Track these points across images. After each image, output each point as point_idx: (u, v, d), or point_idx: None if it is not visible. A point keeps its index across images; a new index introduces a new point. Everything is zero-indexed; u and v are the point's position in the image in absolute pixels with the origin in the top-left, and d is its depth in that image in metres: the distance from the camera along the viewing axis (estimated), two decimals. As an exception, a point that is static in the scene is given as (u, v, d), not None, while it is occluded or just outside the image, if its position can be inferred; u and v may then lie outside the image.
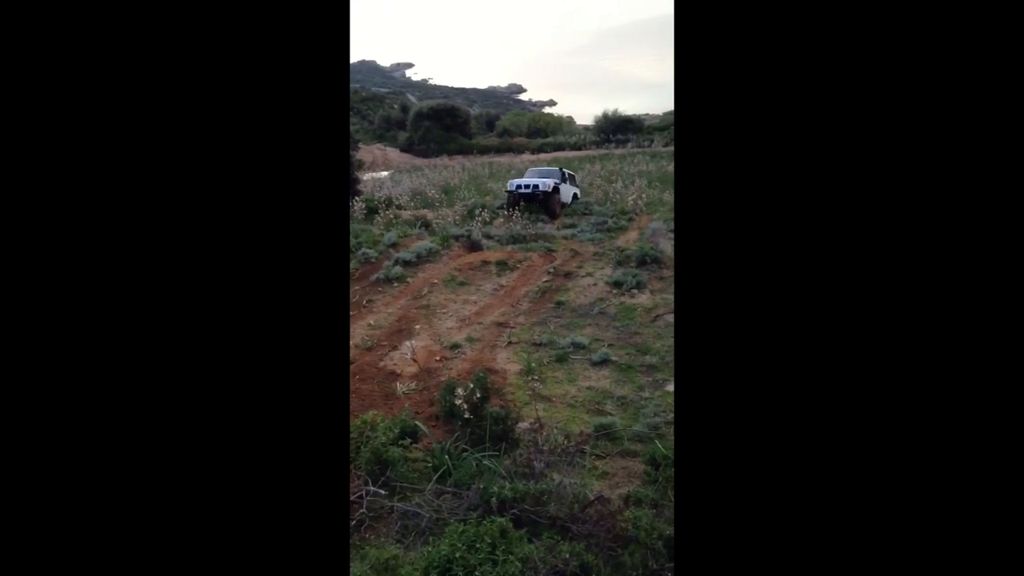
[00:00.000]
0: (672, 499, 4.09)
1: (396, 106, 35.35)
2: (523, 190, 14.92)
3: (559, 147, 26.59)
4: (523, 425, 5.23)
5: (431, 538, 3.75)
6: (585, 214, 14.34)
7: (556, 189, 15.01)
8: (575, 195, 16.65)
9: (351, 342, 7.39)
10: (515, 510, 3.90)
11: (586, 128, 30.04)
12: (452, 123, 28.93)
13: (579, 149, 25.86)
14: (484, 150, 27.20)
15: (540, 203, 14.70)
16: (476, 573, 3.20)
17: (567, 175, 16.34)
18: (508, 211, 14.22)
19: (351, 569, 3.46)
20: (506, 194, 15.67)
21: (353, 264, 10.19)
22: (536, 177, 15.58)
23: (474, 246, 11.18)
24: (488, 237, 11.96)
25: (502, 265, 10.07)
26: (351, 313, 8.39)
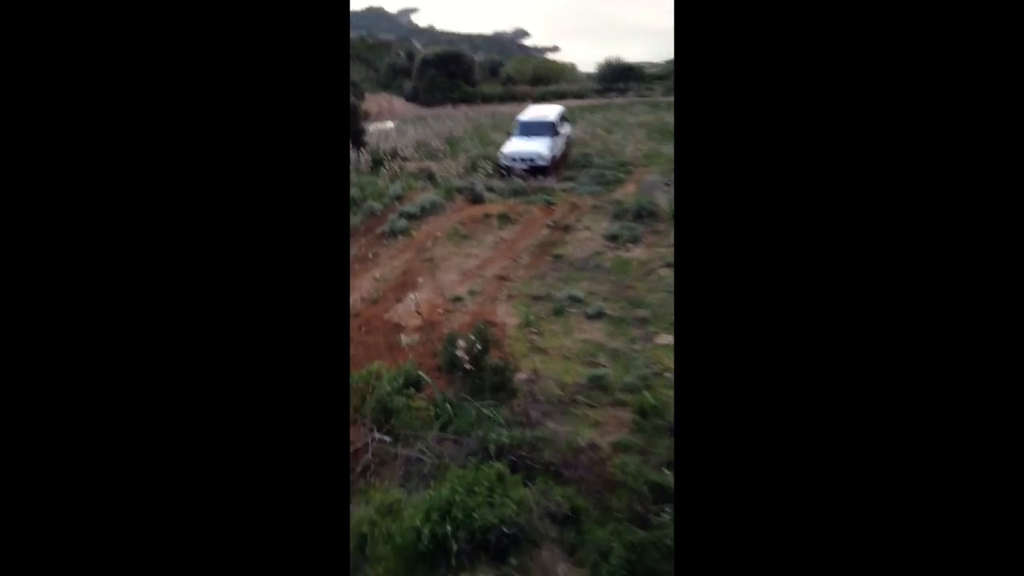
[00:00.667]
0: (656, 447, 4.34)
1: (402, 53, 34.59)
2: (518, 163, 13.38)
3: (562, 95, 26.15)
4: (521, 376, 5.46)
5: (432, 482, 4.00)
6: (585, 166, 14.26)
7: (554, 158, 13.63)
8: (569, 136, 15.46)
9: (358, 295, 7.60)
10: (512, 456, 4.15)
11: (589, 76, 29.48)
12: (457, 70, 28.40)
13: (581, 97, 25.45)
14: (488, 98, 26.81)
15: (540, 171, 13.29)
16: (474, 515, 3.44)
17: (559, 119, 14.75)
18: (500, 176, 13.11)
19: (357, 513, 3.73)
20: (499, 162, 13.93)
21: (359, 218, 10.30)
22: (534, 136, 13.92)
23: (477, 199, 11.25)
24: (490, 190, 12.01)
25: (503, 218, 10.17)
26: (357, 267, 8.57)
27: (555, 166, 13.68)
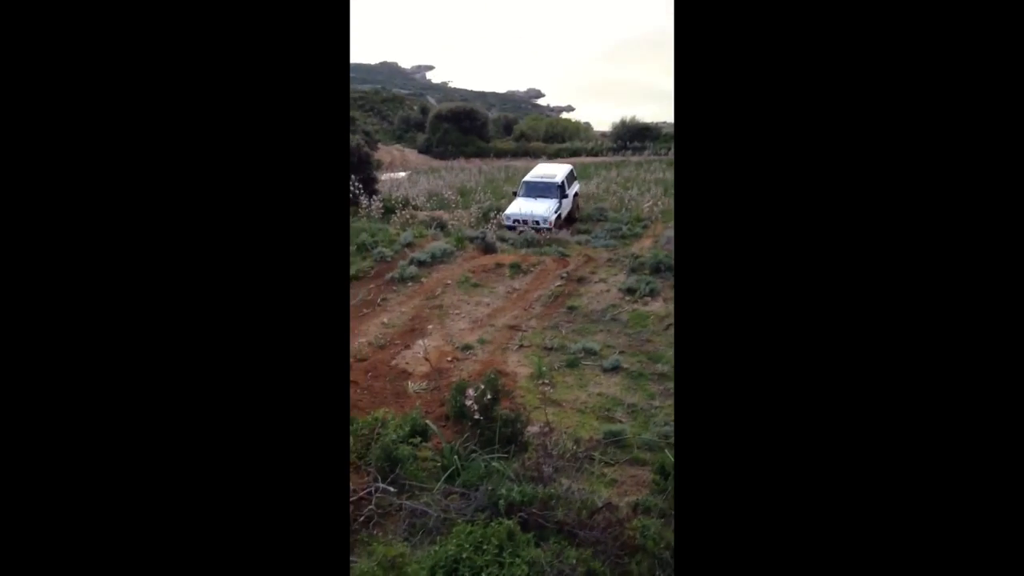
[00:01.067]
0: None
1: (416, 108, 35.52)
2: (519, 225, 12.98)
3: (576, 152, 26.53)
4: (532, 429, 5.23)
5: (438, 537, 3.75)
6: (600, 220, 14.25)
7: (559, 217, 13.32)
8: (576, 193, 14.91)
9: (365, 339, 7.44)
10: (523, 513, 3.90)
11: (603, 134, 29.99)
12: (470, 126, 28.99)
13: (596, 155, 25.78)
14: (501, 153, 27.24)
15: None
16: (483, 574, 3.21)
17: (567, 180, 14.37)
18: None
19: (359, 565, 3.48)
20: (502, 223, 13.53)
21: (369, 263, 10.25)
22: (539, 197, 13.55)
23: (488, 248, 11.21)
24: (502, 240, 11.98)
25: (515, 268, 10.09)
26: (365, 311, 8.44)
27: (560, 226, 13.36)
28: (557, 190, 13.89)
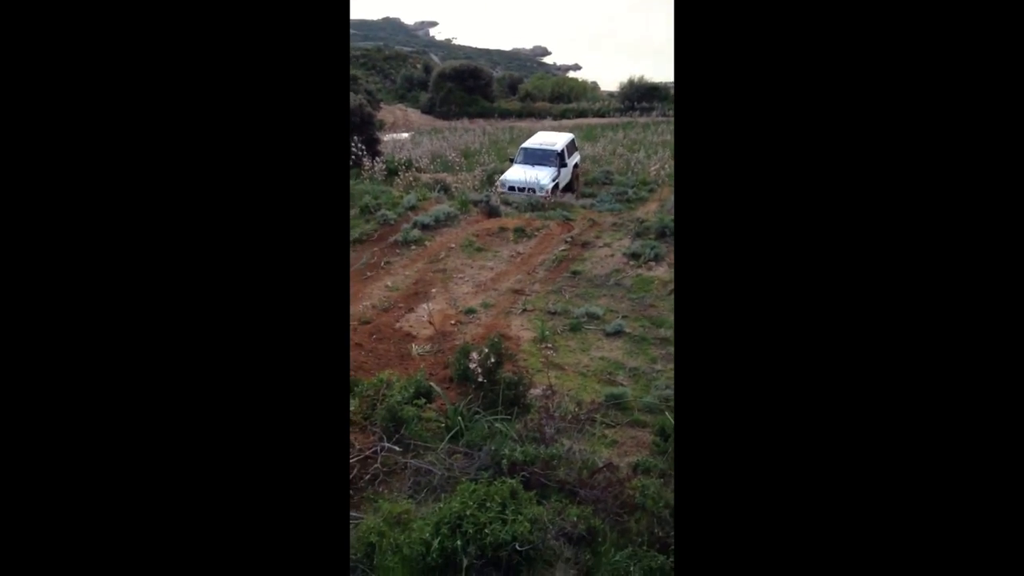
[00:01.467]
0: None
1: (419, 66, 34.89)
2: (516, 191, 12.77)
3: (582, 113, 26.11)
4: (535, 391, 5.32)
5: (442, 495, 3.86)
6: (605, 183, 14.15)
7: (557, 187, 13.03)
8: (576, 164, 14.56)
9: (369, 302, 7.50)
10: (525, 473, 4.00)
11: (610, 94, 29.46)
12: (474, 85, 28.52)
13: (603, 116, 25.35)
14: (506, 114, 26.85)
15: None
16: (486, 530, 3.30)
17: (567, 149, 14.05)
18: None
19: (365, 521, 3.60)
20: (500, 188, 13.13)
21: (372, 225, 10.24)
22: (537, 164, 13.21)
23: (492, 212, 11.16)
24: (506, 203, 11.93)
25: (519, 232, 10.07)
26: (369, 274, 8.49)
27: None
28: (556, 158, 13.56)
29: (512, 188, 12.96)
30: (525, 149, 14.15)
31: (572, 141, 14.83)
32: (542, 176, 13.02)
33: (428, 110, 28.39)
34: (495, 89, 29.68)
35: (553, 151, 13.79)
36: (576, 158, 14.80)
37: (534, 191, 12.67)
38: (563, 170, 13.64)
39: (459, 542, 3.25)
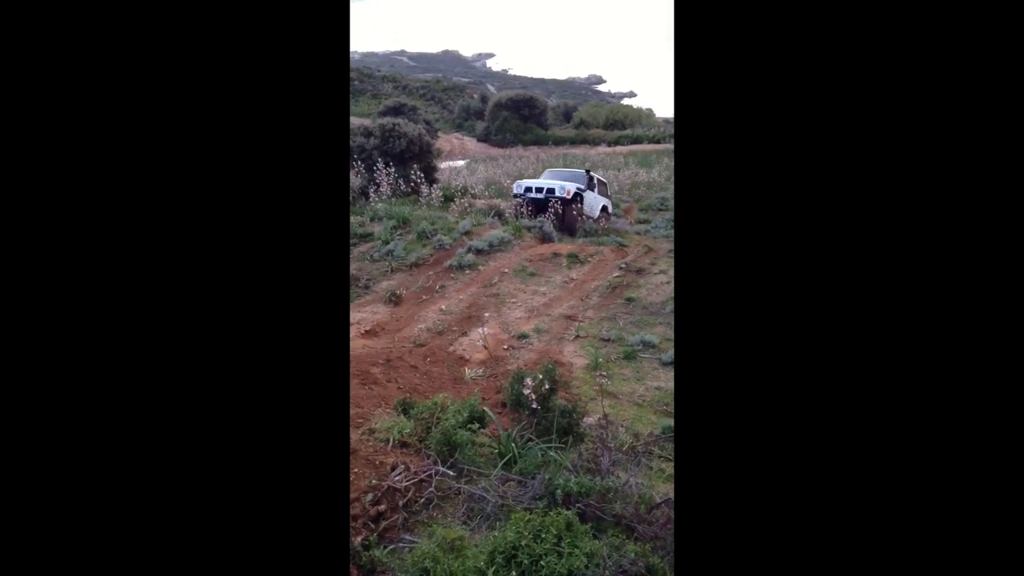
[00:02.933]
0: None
1: (475, 96, 35.63)
2: (533, 194, 12.34)
3: (637, 140, 26.09)
4: (589, 420, 5.21)
5: (496, 523, 3.80)
6: (661, 209, 14.04)
7: (577, 197, 12.38)
8: (605, 208, 13.78)
9: (424, 325, 7.57)
10: (580, 504, 3.89)
11: (666, 121, 29.37)
12: (529, 113, 28.92)
13: (658, 142, 25.29)
14: (559, 141, 27.07)
15: (556, 214, 11.95)
16: (541, 562, 3.22)
17: (596, 181, 13.62)
18: (516, 217, 11.93)
19: (420, 546, 3.56)
20: (514, 199, 12.85)
21: (428, 250, 10.40)
22: (553, 179, 12.82)
23: (546, 237, 11.19)
24: (559, 229, 11.95)
25: (573, 258, 10.04)
26: (424, 298, 8.58)
27: (577, 218, 12.52)
28: (583, 177, 13.30)
29: (527, 189, 12.76)
30: (550, 171, 14.09)
31: (599, 180, 14.05)
32: (563, 182, 12.67)
33: (484, 138, 28.89)
34: (549, 117, 30.01)
35: (579, 172, 13.60)
36: (606, 202, 14.00)
37: (553, 190, 12.33)
38: (592, 193, 13.26)
39: (514, 573, 3.18)
